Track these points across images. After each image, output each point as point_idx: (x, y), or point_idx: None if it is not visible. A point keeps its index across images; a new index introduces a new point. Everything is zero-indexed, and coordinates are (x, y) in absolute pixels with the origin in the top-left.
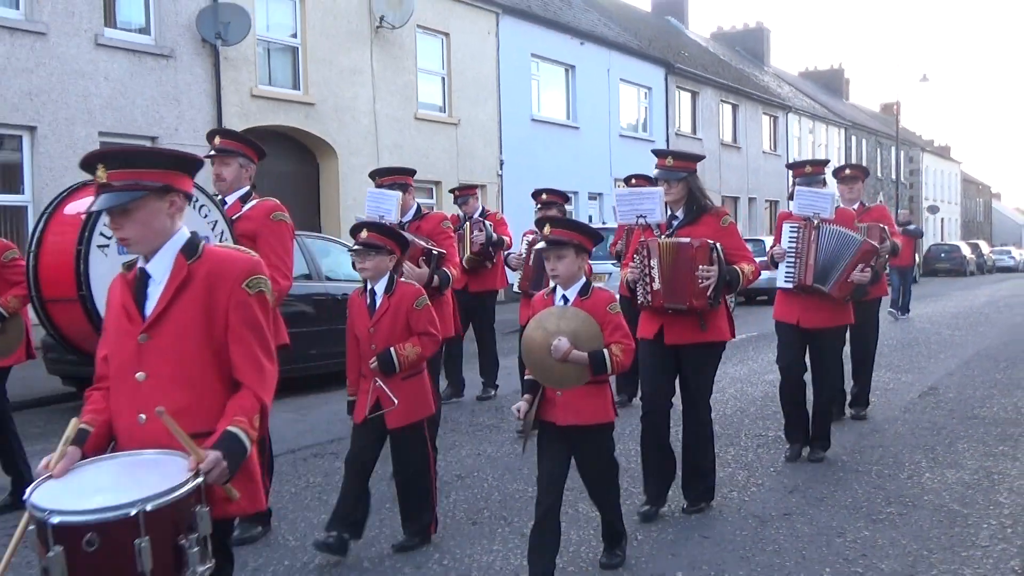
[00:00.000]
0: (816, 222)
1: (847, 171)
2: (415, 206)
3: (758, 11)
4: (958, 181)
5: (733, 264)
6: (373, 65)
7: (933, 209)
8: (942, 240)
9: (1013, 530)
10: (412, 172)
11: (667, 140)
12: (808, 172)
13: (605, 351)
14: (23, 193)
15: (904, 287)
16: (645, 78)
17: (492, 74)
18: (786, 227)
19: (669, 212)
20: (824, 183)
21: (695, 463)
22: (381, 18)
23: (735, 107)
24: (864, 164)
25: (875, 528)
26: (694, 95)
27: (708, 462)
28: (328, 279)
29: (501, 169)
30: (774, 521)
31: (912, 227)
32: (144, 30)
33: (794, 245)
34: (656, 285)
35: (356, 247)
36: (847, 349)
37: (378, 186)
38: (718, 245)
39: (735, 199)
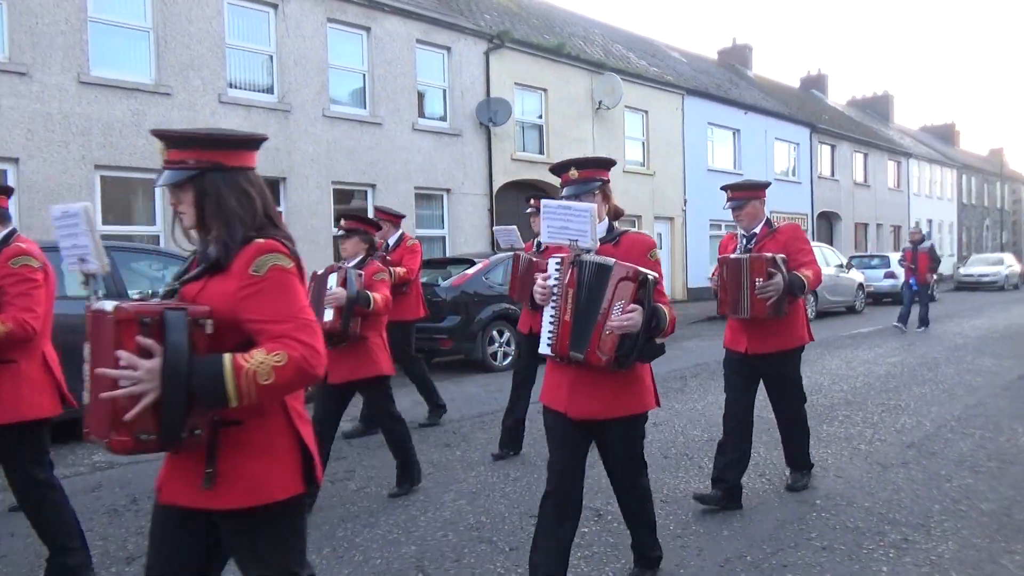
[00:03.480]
0: (574, 255)
1: (728, 193)
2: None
3: (885, 78)
4: None
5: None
6: (594, 134)
7: None
8: None
9: None
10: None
11: (811, 182)
12: (573, 179)
13: None
14: None
15: (921, 303)
16: (794, 136)
17: (678, 137)
18: (551, 264)
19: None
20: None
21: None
22: (600, 102)
23: (865, 155)
24: (972, 200)
25: (977, 477)
26: (832, 147)
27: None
28: None
29: (685, 206)
30: (894, 468)
31: (926, 244)
32: (443, 118)
33: (556, 294)
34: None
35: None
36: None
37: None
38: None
39: (865, 225)
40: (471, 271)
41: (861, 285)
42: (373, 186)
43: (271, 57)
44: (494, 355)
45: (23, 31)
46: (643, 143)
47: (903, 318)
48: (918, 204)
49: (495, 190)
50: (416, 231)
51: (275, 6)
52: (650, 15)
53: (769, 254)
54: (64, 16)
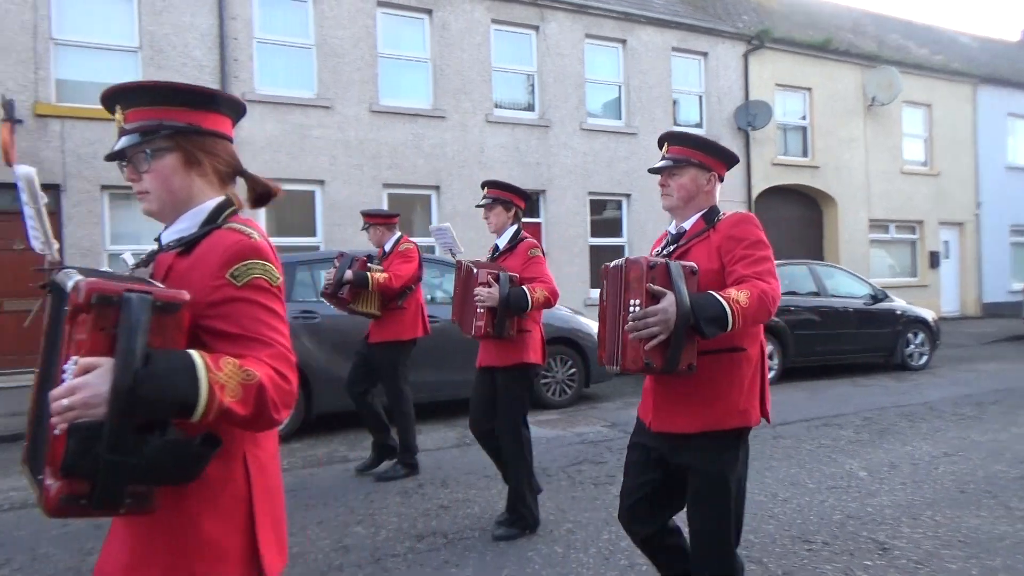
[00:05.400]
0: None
1: (663, 147)
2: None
3: None
4: None
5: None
6: (865, 133)
7: None
8: None
9: None
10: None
11: None
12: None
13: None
14: (622, 236)
15: None
16: None
17: (969, 132)
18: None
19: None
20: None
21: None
22: (872, 98)
23: None
24: None
25: None
26: None
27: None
28: (832, 296)
29: (978, 210)
30: None
31: None
32: (698, 124)
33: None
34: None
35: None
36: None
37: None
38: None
39: None
40: None
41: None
42: (628, 196)
43: (531, 76)
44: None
45: (328, 70)
46: (925, 140)
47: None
48: None
49: (754, 196)
50: None
51: (536, 28)
52: (933, 1)
53: (675, 263)
54: (360, 55)
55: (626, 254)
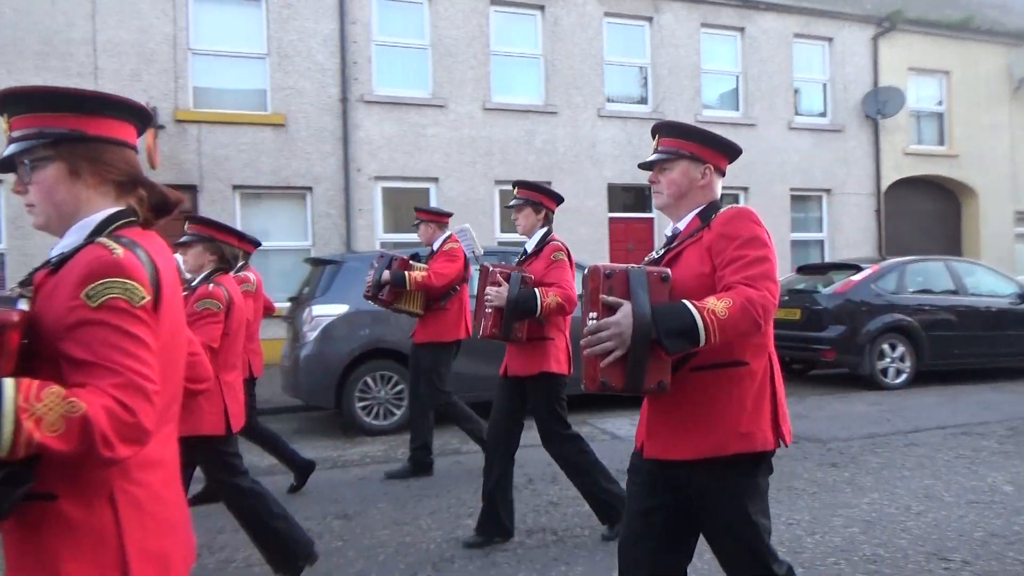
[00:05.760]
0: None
1: (655, 138)
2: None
3: None
4: None
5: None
6: (1011, 120)
7: None
8: None
9: None
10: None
11: None
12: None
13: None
14: None
15: None
16: None
17: None
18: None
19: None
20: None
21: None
22: (1020, 81)
23: None
24: None
25: None
26: None
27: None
28: (973, 294)
29: None
30: None
31: None
32: (822, 114)
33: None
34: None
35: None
36: None
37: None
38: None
39: None
40: (857, 277)
41: None
42: (746, 189)
43: (644, 68)
44: (884, 371)
45: (442, 70)
46: None
47: None
48: None
49: (883, 188)
50: (791, 235)
51: (650, 19)
52: None
53: (637, 268)
54: (473, 53)
55: None
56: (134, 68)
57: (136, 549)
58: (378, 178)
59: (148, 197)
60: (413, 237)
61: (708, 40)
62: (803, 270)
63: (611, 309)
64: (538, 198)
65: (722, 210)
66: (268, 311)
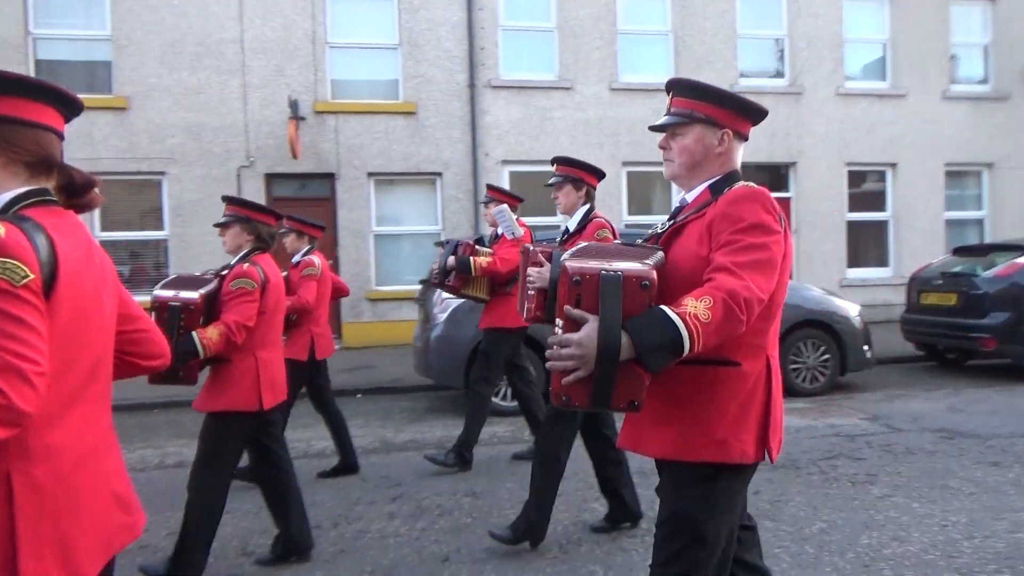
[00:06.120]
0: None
1: (670, 96)
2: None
3: None
4: None
5: None
6: None
7: None
8: None
9: None
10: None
11: None
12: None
13: None
14: (885, 211)
15: None
16: None
17: None
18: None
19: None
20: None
21: None
22: None
23: None
24: None
25: None
26: None
27: None
28: None
29: None
30: None
31: None
32: (982, 81)
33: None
34: None
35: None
36: None
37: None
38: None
39: None
40: (1023, 259)
41: None
42: (894, 165)
43: (780, 40)
44: None
45: (569, 52)
46: None
47: None
48: None
49: None
50: (944, 213)
51: None
52: None
53: (612, 275)
54: (599, 33)
55: (891, 231)
56: (278, 64)
57: (30, 533)
58: (505, 162)
59: (62, 178)
60: (542, 220)
61: (851, 7)
62: (960, 251)
63: (576, 323)
64: (578, 174)
65: (735, 186)
66: (341, 293)
